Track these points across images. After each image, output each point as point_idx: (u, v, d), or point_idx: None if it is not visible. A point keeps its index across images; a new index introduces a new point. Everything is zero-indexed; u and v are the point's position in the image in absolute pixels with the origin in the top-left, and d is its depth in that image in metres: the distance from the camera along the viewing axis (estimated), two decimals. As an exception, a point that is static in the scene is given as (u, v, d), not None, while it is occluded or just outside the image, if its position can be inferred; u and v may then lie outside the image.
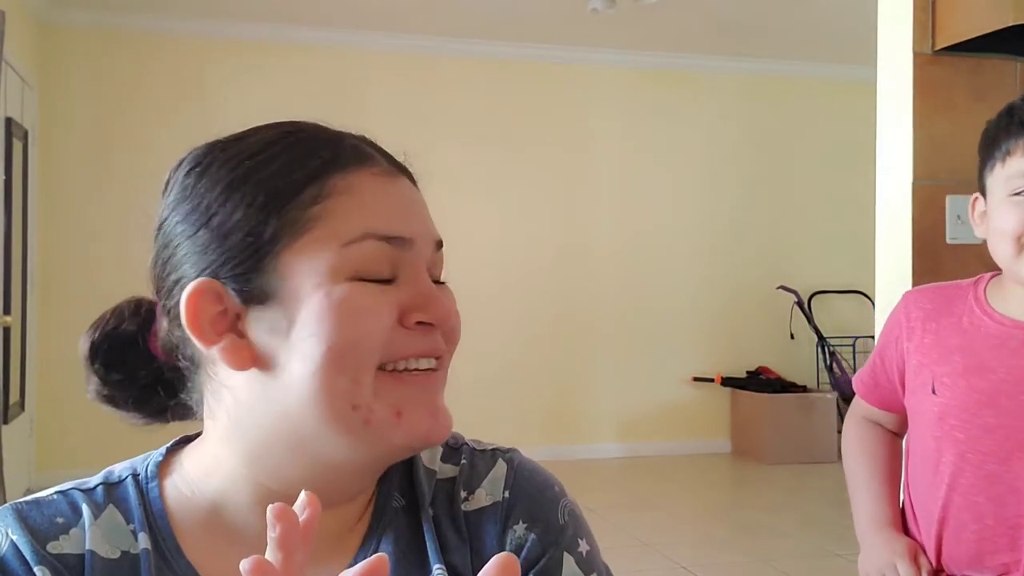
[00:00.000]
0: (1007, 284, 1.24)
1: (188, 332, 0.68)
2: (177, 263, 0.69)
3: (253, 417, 0.68)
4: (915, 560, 1.27)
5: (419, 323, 0.68)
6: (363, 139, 0.73)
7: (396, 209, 0.70)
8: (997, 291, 1.25)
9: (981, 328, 1.22)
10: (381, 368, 0.67)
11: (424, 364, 0.69)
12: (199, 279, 0.67)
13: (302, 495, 0.54)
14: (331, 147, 0.69)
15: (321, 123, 0.73)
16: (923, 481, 1.30)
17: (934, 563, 1.28)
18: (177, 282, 0.69)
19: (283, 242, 0.66)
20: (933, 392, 1.24)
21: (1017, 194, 1.18)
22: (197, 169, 0.70)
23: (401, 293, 0.68)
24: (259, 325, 0.67)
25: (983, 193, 1.27)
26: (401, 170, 0.73)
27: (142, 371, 0.75)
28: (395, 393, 0.67)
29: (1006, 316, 1.21)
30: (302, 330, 0.66)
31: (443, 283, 0.74)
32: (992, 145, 1.24)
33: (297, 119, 0.73)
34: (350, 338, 0.65)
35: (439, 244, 0.73)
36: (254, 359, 0.67)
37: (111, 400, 0.76)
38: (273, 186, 0.67)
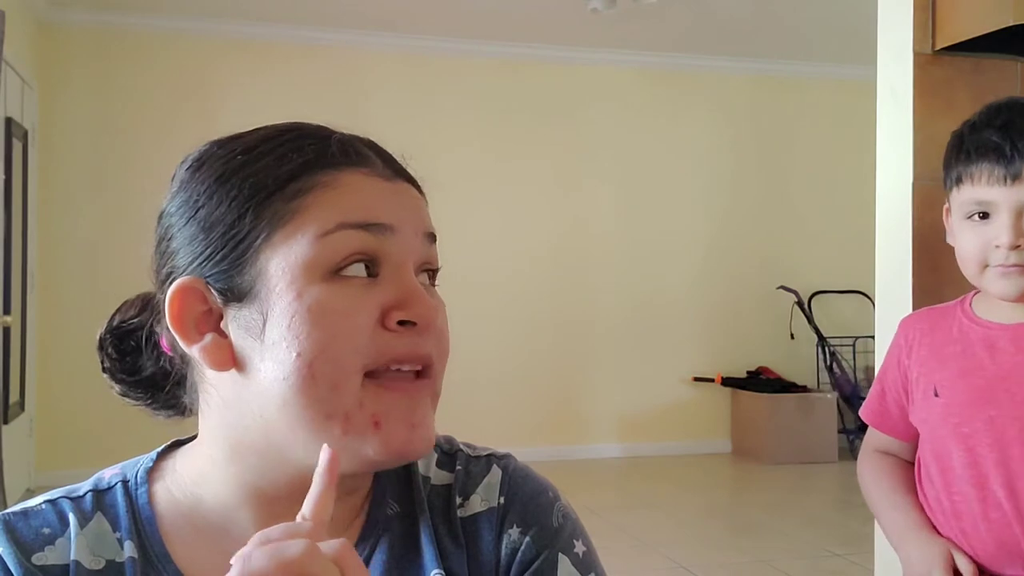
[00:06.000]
0: (988, 295, 1.34)
1: (171, 330, 0.67)
2: (171, 254, 0.69)
3: (235, 417, 0.68)
4: (950, 565, 1.28)
5: (401, 323, 0.66)
6: (364, 141, 0.72)
7: (379, 200, 0.68)
8: (981, 302, 1.35)
9: (970, 334, 1.32)
10: (369, 375, 0.65)
11: (407, 367, 0.67)
12: (184, 277, 0.67)
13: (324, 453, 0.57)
14: (322, 145, 0.69)
15: (326, 124, 0.72)
16: (937, 484, 1.34)
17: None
18: (169, 275, 0.69)
19: (261, 237, 0.66)
20: (936, 395, 1.33)
21: (970, 218, 1.28)
22: (195, 164, 0.71)
23: (383, 290, 0.66)
24: (236, 324, 0.66)
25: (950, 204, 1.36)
26: (399, 174, 0.71)
27: (148, 363, 0.75)
28: (378, 402, 0.65)
29: (991, 321, 1.31)
30: (273, 332, 0.64)
31: (435, 286, 0.72)
32: (948, 166, 1.33)
33: (302, 120, 0.73)
34: (322, 345, 0.63)
35: (432, 236, 0.71)
36: (233, 360, 0.66)
37: (127, 387, 0.76)
38: (258, 180, 0.67)
